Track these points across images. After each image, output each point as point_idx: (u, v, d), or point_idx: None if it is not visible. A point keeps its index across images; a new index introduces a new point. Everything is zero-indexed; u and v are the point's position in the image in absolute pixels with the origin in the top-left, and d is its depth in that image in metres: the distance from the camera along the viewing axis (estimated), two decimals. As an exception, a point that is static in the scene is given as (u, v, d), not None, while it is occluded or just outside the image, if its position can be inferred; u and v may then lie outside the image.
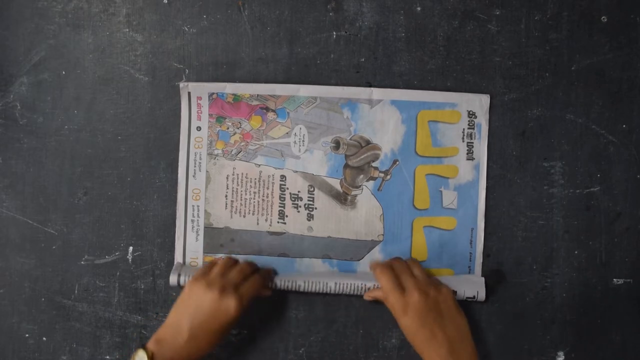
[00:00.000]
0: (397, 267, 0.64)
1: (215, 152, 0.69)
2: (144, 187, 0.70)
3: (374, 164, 0.68)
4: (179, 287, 0.66)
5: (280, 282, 0.67)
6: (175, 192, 0.69)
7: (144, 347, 0.58)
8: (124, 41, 0.70)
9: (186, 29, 0.69)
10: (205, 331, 0.59)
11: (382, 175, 0.68)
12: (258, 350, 0.70)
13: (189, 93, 0.68)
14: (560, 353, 0.69)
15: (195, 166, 0.69)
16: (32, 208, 0.70)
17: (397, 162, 0.68)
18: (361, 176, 0.68)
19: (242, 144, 0.69)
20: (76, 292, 0.71)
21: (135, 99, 0.70)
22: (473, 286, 0.66)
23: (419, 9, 0.68)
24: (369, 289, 0.65)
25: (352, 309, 0.70)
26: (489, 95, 0.68)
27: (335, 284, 0.66)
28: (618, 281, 0.69)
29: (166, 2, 0.69)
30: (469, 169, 0.68)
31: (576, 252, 0.69)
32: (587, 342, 0.69)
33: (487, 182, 0.69)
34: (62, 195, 0.70)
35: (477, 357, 0.59)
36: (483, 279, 0.67)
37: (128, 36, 0.70)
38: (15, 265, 0.71)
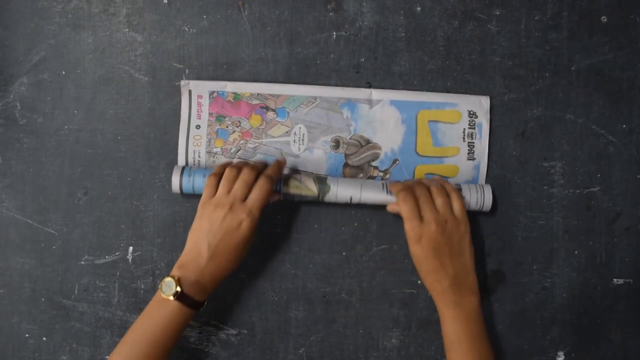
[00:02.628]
0: (420, 195, 0.62)
1: (214, 150, 0.69)
2: (144, 187, 0.70)
3: (373, 164, 0.68)
4: (181, 193, 0.66)
5: (290, 186, 0.65)
6: (175, 192, 0.69)
7: (168, 275, 0.60)
8: (124, 41, 0.70)
9: (186, 29, 0.69)
10: (223, 250, 0.60)
11: (381, 174, 0.68)
12: (258, 350, 0.70)
13: (190, 91, 0.68)
14: (560, 353, 0.69)
15: (194, 164, 0.69)
16: (32, 208, 0.70)
17: (397, 162, 0.68)
18: (360, 175, 0.68)
19: (242, 142, 0.69)
20: (76, 292, 0.71)
21: (135, 99, 0.70)
22: (479, 195, 0.65)
23: (419, 9, 0.68)
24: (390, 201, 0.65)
25: (352, 309, 0.70)
26: (488, 97, 0.67)
27: (358, 188, 0.65)
28: (618, 281, 0.69)
29: (166, 2, 0.69)
30: (470, 169, 0.68)
31: (576, 252, 0.69)
32: (587, 342, 0.69)
33: (487, 182, 0.69)
34: (62, 195, 0.70)
35: (477, 290, 0.62)
36: (490, 186, 0.66)
37: (128, 36, 0.69)
38: (15, 265, 0.71)
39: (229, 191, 0.61)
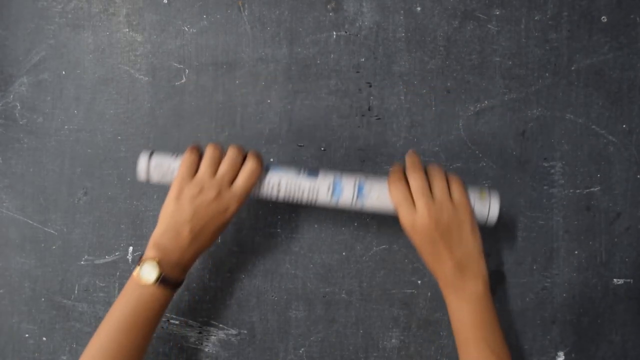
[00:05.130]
0: (414, 178, 0.56)
1: None
2: (144, 187, 0.70)
3: None
4: (148, 182, 0.61)
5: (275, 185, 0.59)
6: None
7: (145, 257, 0.56)
8: (124, 41, 0.70)
9: (186, 29, 0.69)
10: (206, 232, 0.58)
11: None
12: (258, 350, 0.70)
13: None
14: (560, 353, 0.69)
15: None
16: (32, 208, 0.70)
17: None
18: None
19: None
20: (76, 292, 0.71)
21: (135, 99, 0.70)
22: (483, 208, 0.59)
23: (419, 9, 0.68)
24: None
25: (352, 309, 0.70)
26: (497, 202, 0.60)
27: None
28: (618, 281, 0.69)
29: (166, 2, 0.69)
30: None
31: (576, 252, 0.69)
32: (587, 342, 0.69)
33: (487, 182, 0.69)
34: (62, 195, 0.70)
35: (485, 275, 0.57)
36: (498, 199, 0.59)
37: (128, 36, 0.70)
38: (15, 265, 0.71)
39: (214, 172, 0.57)
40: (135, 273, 0.56)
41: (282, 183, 0.58)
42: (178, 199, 0.57)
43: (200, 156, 0.58)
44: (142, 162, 0.59)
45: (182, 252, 0.57)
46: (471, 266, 0.57)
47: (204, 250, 0.60)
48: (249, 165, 0.57)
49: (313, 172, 0.59)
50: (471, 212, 0.57)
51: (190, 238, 0.57)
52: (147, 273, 0.55)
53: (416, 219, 0.56)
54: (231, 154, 0.58)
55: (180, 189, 0.57)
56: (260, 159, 0.58)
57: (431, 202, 0.56)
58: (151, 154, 0.60)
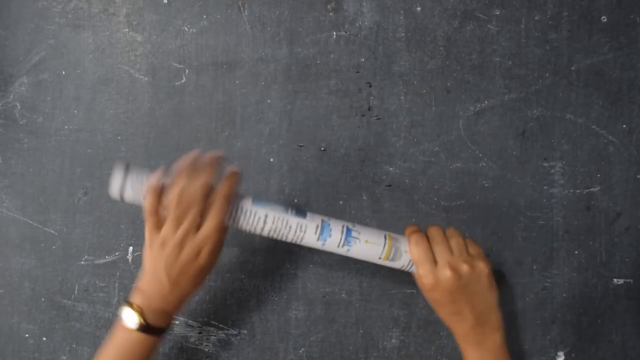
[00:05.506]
0: (434, 237, 0.58)
1: None
2: (144, 187, 0.70)
3: None
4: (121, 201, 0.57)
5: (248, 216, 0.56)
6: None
7: (128, 302, 0.55)
8: (124, 41, 0.70)
9: (186, 29, 0.69)
10: (186, 278, 0.55)
11: None
12: (258, 350, 0.70)
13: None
14: (560, 353, 0.69)
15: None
16: (32, 208, 0.70)
17: None
18: None
19: None
20: (76, 292, 0.71)
21: (135, 99, 0.70)
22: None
23: (419, 9, 0.68)
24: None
25: (352, 309, 0.70)
26: None
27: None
28: (618, 281, 0.69)
29: (166, 2, 0.69)
30: None
31: (576, 252, 0.69)
32: (587, 342, 0.69)
33: (487, 182, 0.69)
34: (62, 195, 0.70)
35: (502, 327, 0.58)
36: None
37: (128, 36, 0.70)
38: (15, 265, 0.71)
39: (176, 224, 0.54)
40: (120, 315, 0.55)
41: (269, 217, 0.55)
42: (150, 247, 0.55)
43: (162, 191, 0.55)
44: (117, 178, 0.55)
45: (165, 299, 0.56)
46: (490, 319, 0.58)
47: (191, 295, 0.58)
48: (216, 208, 0.54)
49: (301, 211, 0.57)
50: (489, 265, 0.58)
51: (169, 285, 0.55)
52: (128, 319, 0.54)
53: (439, 276, 0.56)
54: (193, 197, 0.53)
55: (150, 238, 0.55)
56: (227, 198, 0.54)
57: (451, 255, 0.57)
58: (127, 169, 0.56)
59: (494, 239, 0.69)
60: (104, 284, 0.70)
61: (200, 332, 0.70)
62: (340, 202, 0.69)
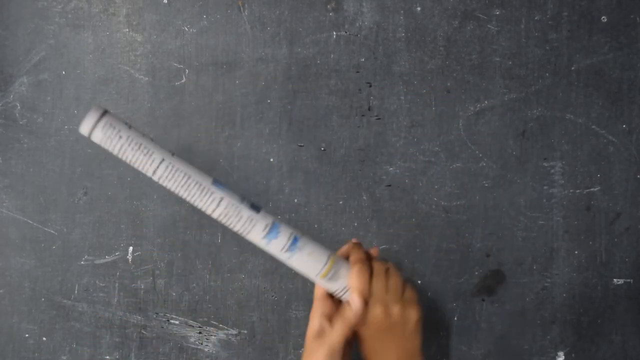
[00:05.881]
0: (376, 272, 0.58)
1: None
2: (144, 187, 0.70)
3: None
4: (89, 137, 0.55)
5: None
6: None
7: None
8: (124, 41, 0.70)
9: (186, 29, 0.69)
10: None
11: None
12: (258, 350, 0.70)
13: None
14: (560, 353, 0.69)
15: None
16: (32, 208, 0.70)
17: None
18: None
19: None
20: (76, 292, 0.71)
21: (135, 99, 0.70)
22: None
23: (419, 9, 0.68)
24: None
25: (352, 309, 0.70)
26: None
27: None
28: (618, 281, 0.69)
29: (166, 2, 0.69)
30: None
31: (576, 252, 0.69)
32: (587, 342, 0.69)
33: (487, 182, 0.69)
34: (62, 195, 0.70)
35: None
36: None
37: (128, 36, 0.70)
38: (15, 265, 0.71)
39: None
40: None
41: (224, 202, 0.56)
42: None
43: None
44: (92, 117, 0.55)
45: None
46: None
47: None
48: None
49: (255, 206, 0.57)
50: (419, 312, 0.58)
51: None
52: None
53: (370, 311, 0.56)
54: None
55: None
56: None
57: (387, 297, 0.57)
58: (103, 113, 0.55)
59: (494, 239, 0.69)
60: (104, 284, 0.70)
61: (200, 332, 0.70)
62: (340, 202, 0.70)
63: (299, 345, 0.70)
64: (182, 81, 0.70)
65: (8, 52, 0.70)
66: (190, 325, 0.70)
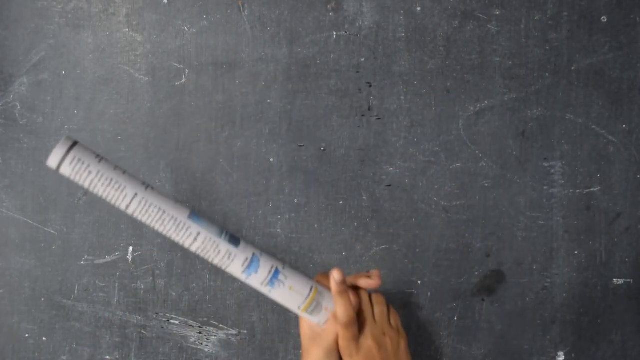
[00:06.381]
0: (363, 302, 0.57)
1: None
2: (144, 187, 0.70)
3: None
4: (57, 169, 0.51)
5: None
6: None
7: None
8: (124, 41, 0.70)
9: (186, 29, 0.69)
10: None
11: None
12: (258, 350, 0.70)
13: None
14: (560, 353, 0.69)
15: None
16: (32, 208, 0.70)
17: None
18: None
19: None
20: (76, 292, 0.71)
21: (135, 99, 0.70)
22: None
23: (419, 9, 0.68)
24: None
25: (352, 309, 0.70)
26: None
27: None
28: (618, 281, 0.69)
29: (166, 2, 0.69)
30: None
31: (576, 252, 0.69)
32: (587, 342, 0.69)
33: (487, 182, 0.69)
34: (62, 195, 0.70)
35: None
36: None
37: (128, 36, 0.70)
38: (15, 265, 0.71)
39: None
40: None
41: (201, 236, 0.54)
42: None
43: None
44: (60, 149, 0.51)
45: None
46: None
47: None
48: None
49: (234, 239, 0.55)
50: (406, 338, 0.58)
51: None
52: None
53: (362, 344, 0.55)
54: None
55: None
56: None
57: (375, 328, 0.56)
58: (73, 145, 0.51)
59: (494, 239, 0.69)
60: (104, 284, 0.70)
61: (200, 332, 0.70)
62: (340, 202, 0.70)
63: (299, 345, 0.70)
64: (182, 81, 0.70)
65: (8, 52, 0.70)
66: (190, 325, 0.70)
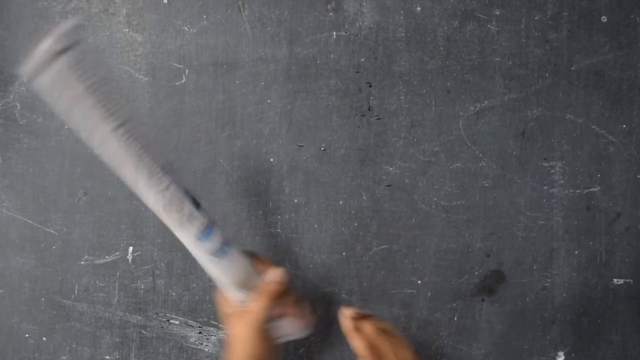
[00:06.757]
0: (382, 340, 0.60)
1: None
2: (144, 187, 0.70)
3: None
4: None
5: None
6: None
7: None
8: (124, 41, 0.70)
9: (186, 29, 0.69)
10: None
11: None
12: (258, 350, 0.70)
13: None
14: (560, 353, 0.69)
15: None
16: (32, 208, 0.70)
17: None
18: None
19: None
20: (76, 292, 0.71)
21: (135, 99, 0.70)
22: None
23: (419, 9, 0.68)
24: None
25: (352, 309, 0.70)
26: None
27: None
28: (618, 281, 0.69)
29: (166, 2, 0.69)
30: None
31: (576, 252, 0.69)
32: (587, 342, 0.69)
33: (487, 182, 0.69)
34: (62, 195, 0.70)
35: None
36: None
37: (128, 36, 0.69)
38: (15, 265, 0.71)
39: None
40: None
41: (172, 187, 0.53)
42: None
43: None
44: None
45: None
46: None
47: None
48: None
49: (196, 202, 0.54)
50: (412, 351, 0.60)
51: None
52: None
53: None
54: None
55: None
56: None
57: (391, 355, 0.58)
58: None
59: (494, 239, 0.69)
60: (104, 284, 0.70)
61: (200, 332, 0.70)
62: (340, 202, 0.70)
63: (299, 345, 0.70)
64: (182, 81, 0.70)
65: (8, 52, 0.70)
66: (190, 325, 0.70)
